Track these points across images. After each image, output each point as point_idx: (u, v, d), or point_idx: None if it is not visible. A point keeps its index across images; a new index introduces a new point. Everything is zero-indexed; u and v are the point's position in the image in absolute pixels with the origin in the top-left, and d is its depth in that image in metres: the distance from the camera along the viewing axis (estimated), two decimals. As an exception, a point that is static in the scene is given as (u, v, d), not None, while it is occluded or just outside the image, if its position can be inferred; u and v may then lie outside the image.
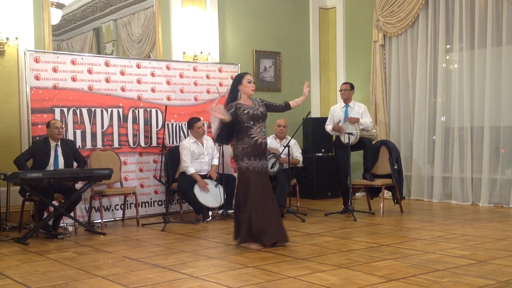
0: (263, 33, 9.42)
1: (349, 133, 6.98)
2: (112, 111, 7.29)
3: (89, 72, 7.16)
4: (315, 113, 9.79)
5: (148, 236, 6.16)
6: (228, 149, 7.92)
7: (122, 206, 7.28)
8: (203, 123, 7.58)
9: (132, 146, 7.46)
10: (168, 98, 7.76)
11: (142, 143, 7.53)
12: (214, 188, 7.22)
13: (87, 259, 4.94)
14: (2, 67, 6.98)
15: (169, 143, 7.68)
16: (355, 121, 7.15)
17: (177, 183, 7.24)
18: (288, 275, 4.13)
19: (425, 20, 8.51)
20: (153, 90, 7.65)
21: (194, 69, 8.04)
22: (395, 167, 7.30)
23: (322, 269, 4.32)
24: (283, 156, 7.31)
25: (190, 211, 7.50)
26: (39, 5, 7.27)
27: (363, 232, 6.08)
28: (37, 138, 6.57)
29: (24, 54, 6.75)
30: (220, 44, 8.80)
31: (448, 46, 8.36)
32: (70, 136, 6.91)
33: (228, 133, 5.34)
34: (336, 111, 7.53)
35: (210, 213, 7.09)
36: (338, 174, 7.48)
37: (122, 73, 7.42)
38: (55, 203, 6.30)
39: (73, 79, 7.03)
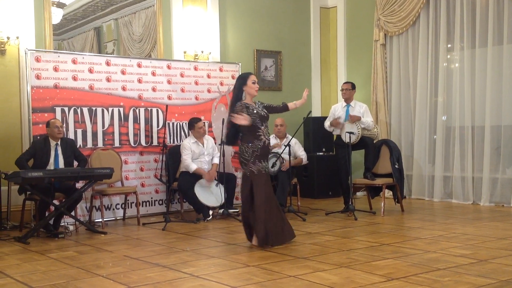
0: (264, 33, 9.42)
1: (350, 132, 6.97)
2: (113, 110, 7.30)
3: (90, 71, 7.16)
4: (316, 113, 9.78)
5: (148, 235, 6.16)
6: (228, 148, 7.92)
7: (123, 205, 7.28)
8: (204, 122, 7.59)
9: (133, 145, 7.46)
10: (169, 98, 7.76)
11: (143, 143, 7.53)
12: (215, 187, 7.22)
13: (88, 258, 4.95)
14: (3, 66, 6.99)
15: (170, 143, 7.68)
16: (356, 119, 7.14)
17: (177, 183, 7.24)
18: (288, 274, 4.13)
19: (426, 19, 8.51)
20: (154, 90, 7.65)
21: (195, 69, 8.04)
22: (396, 166, 7.30)
23: (322, 268, 4.32)
24: (284, 155, 7.30)
25: (190, 210, 7.50)
26: (40, 5, 7.27)
27: (364, 231, 6.08)
28: (38, 137, 6.56)
29: (25, 53, 6.75)
30: (221, 43, 8.80)
31: (449, 45, 8.35)
32: (71, 136, 6.92)
33: (234, 133, 5.31)
34: (337, 110, 7.53)
35: (211, 212, 7.09)
36: (339, 173, 7.48)
37: (123, 73, 7.42)
38: (55, 202, 6.31)
39: (74, 79, 7.03)
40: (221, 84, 8.23)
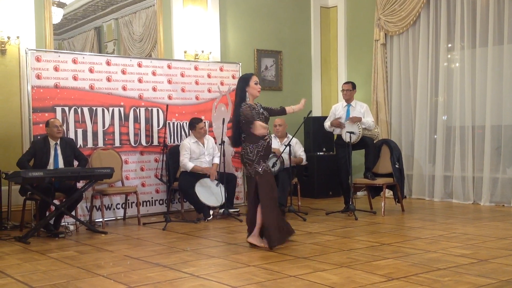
0: (264, 32, 9.42)
1: (351, 132, 6.96)
2: (113, 110, 7.30)
3: (90, 71, 7.16)
4: (316, 112, 9.78)
5: (149, 235, 6.16)
6: (229, 148, 7.93)
7: (123, 205, 7.28)
8: (205, 122, 7.59)
9: (133, 145, 7.46)
10: (169, 97, 7.76)
11: (143, 142, 7.53)
12: (215, 187, 7.22)
13: (88, 258, 4.95)
14: (3, 66, 6.98)
15: (170, 142, 7.68)
16: (357, 120, 7.13)
17: (178, 182, 7.25)
18: (289, 274, 4.13)
19: (427, 19, 8.50)
20: (154, 89, 7.65)
21: (195, 68, 8.04)
22: (397, 166, 7.30)
23: (323, 268, 4.32)
24: (284, 155, 7.30)
25: (191, 210, 7.50)
26: (40, 4, 7.27)
27: (364, 231, 6.08)
28: (38, 137, 6.56)
29: (26, 53, 6.75)
30: (221, 43, 8.80)
31: (449, 45, 8.35)
32: (72, 135, 6.92)
33: (239, 134, 5.29)
34: (337, 110, 7.52)
35: (211, 212, 7.09)
36: (339, 173, 7.47)
37: (123, 72, 7.42)
38: (56, 202, 6.31)
39: (74, 78, 7.03)
40: (222, 84, 8.23)
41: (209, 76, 8.14)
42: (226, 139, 7.69)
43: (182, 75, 7.91)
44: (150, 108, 7.59)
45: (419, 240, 5.43)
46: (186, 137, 7.62)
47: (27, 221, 6.66)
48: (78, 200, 6.43)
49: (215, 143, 7.59)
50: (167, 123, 7.55)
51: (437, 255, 4.69)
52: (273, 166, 7.12)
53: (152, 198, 7.62)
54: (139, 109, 7.51)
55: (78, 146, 6.82)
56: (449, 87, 8.31)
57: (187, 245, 5.42)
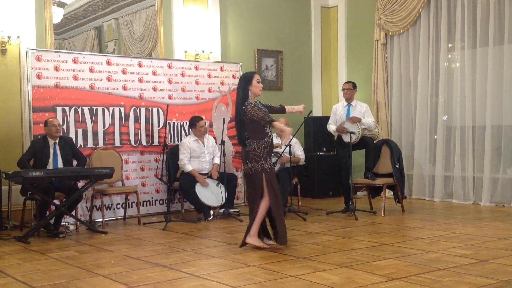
0: (264, 32, 9.42)
1: (351, 132, 6.97)
2: (113, 110, 7.30)
3: (91, 71, 7.16)
4: (317, 112, 9.78)
5: (149, 235, 6.16)
6: (229, 148, 7.93)
7: (124, 205, 7.28)
8: (205, 121, 7.59)
9: (134, 145, 7.46)
10: (170, 97, 7.76)
11: (144, 142, 7.53)
12: (216, 187, 7.22)
13: (89, 258, 4.95)
14: (4, 66, 6.98)
15: (171, 142, 7.68)
16: (356, 120, 7.14)
17: (178, 182, 7.24)
18: (289, 274, 4.13)
19: (427, 19, 8.50)
20: (154, 89, 7.65)
21: (196, 68, 8.04)
22: (397, 166, 7.30)
23: (323, 268, 4.32)
24: (285, 155, 7.30)
25: (191, 210, 7.50)
26: (40, 4, 7.27)
27: (364, 231, 6.08)
28: (39, 136, 6.56)
29: (26, 52, 6.75)
30: (222, 43, 8.80)
31: (450, 45, 8.35)
32: (72, 135, 6.92)
33: (244, 132, 5.29)
34: (338, 110, 7.52)
35: (212, 212, 7.09)
36: (339, 173, 7.47)
37: (124, 72, 7.42)
38: (56, 202, 6.31)
39: (75, 78, 7.03)
40: (222, 83, 8.23)
41: (209, 76, 8.14)
42: (226, 139, 7.70)
43: (183, 75, 7.91)
44: (150, 108, 7.59)
45: (419, 240, 5.43)
46: (186, 136, 7.61)
47: (27, 221, 6.66)
48: (78, 200, 6.42)
49: (215, 142, 7.59)
50: (167, 123, 7.55)
51: (437, 255, 4.69)
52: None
53: (152, 198, 7.62)
54: (140, 109, 7.51)
55: (78, 146, 6.83)
56: (449, 87, 8.31)
57: (187, 245, 5.42)
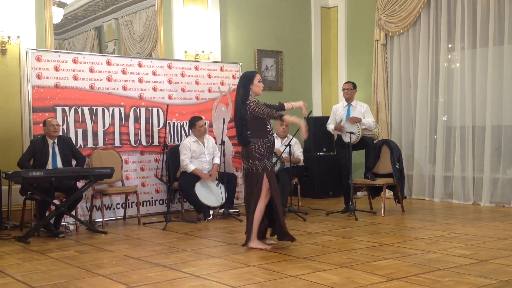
0: (264, 32, 9.42)
1: (351, 132, 6.97)
2: (113, 110, 7.30)
3: (91, 71, 7.16)
4: (317, 112, 9.78)
5: (149, 235, 6.16)
6: (229, 148, 7.93)
7: (124, 205, 7.28)
8: (205, 122, 7.58)
9: (134, 145, 7.46)
10: (170, 97, 7.76)
11: (144, 142, 7.53)
12: (216, 187, 7.22)
13: (88, 258, 4.95)
14: (4, 66, 6.99)
15: (171, 142, 7.68)
16: (356, 121, 7.14)
17: (178, 182, 7.24)
18: (289, 274, 4.13)
19: (427, 19, 8.50)
20: (154, 89, 7.65)
21: (196, 68, 8.04)
22: (397, 166, 7.30)
23: (323, 268, 4.32)
24: (284, 155, 7.30)
25: (191, 210, 7.50)
26: (40, 4, 7.28)
27: (364, 231, 6.08)
28: (39, 136, 6.56)
29: (26, 53, 6.75)
30: (222, 43, 8.80)
31: (449, 45, 8.35)
32: (72, 135, 6.91)
33: (245, 130, 5.26)
34: (338, 110, 7.52)
35: (211, 212, 7.09)
36: (339, 173, 7.47)
37: (124, 72, 7.42)
38: (56, 201, 6.30)
39: (75, 78, 7.03)
40: (222, 84, 8.23)
41: (209, 76, 8.14)
42: (226, 139, 7.70)
43: (183, 75, 7.91)
44: (150, 108, 7.59)
45: (419, 240, 5.43)
46: (186, 137, 7.62)
47: (27, 221, 6.66)
48: (78, 199, 6.42)
49: (215, 143, 7.59)
50: (167, 123, 7.55)
51: (437, 255, 4.69)
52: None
53: (152, 198, 7.62)
54: (139, 109, 7.51)
55: (78, 146, 6.83)
56: (449, 87, 8.31)
57: (187, 245, 5.42)
